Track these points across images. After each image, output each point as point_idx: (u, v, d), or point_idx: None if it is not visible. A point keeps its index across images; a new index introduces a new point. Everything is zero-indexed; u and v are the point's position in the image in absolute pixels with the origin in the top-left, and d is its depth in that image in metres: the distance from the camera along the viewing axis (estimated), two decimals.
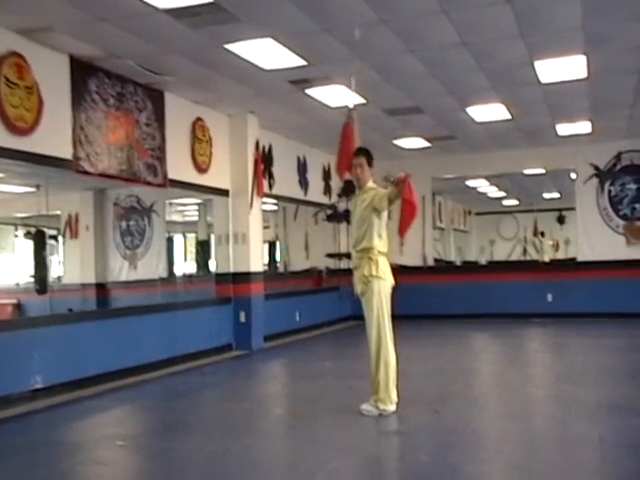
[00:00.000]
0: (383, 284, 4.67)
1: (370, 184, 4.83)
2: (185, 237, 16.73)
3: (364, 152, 4.86)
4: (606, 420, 4.49)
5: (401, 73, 6.98)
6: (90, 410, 5.45)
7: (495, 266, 14.64)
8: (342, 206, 11.95)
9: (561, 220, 19.85)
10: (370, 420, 4.64)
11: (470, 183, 15.30)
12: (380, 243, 4.72)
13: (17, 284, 11.87)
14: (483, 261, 17.71)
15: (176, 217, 15.27)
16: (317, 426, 4.57)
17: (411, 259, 11.96)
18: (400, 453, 4.05)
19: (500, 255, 20.11)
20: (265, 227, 12.06)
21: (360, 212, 4.74)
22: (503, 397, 5.56)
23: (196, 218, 15.57)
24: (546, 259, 16.35)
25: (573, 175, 11.58)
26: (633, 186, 10.93)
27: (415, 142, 10.65)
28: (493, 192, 17.38)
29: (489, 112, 8.71)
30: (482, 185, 15.90)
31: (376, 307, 4.65)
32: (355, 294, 4.83)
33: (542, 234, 18.16)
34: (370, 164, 4.82)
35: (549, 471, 3.51)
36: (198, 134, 7.92)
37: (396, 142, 10.61)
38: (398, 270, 12.17)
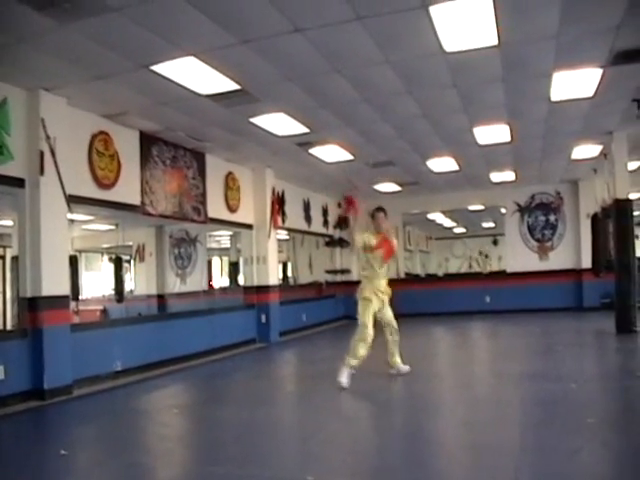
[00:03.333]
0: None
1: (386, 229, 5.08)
2: (221, 259, 16.84)
3: (384, 210, 5.16)
4: (526, 385, 4.51)
5: (379, 136, 7.04)
6: (154, 387, 5.47)
7: (449, 277, 14.63)
8: (337, 235, 12.03)
9: (495, 242, 19.90)
10: (357, 393, 4.62)
11: (430, 216, 15.30)
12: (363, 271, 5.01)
13: (103, 295, 11.87)
14: (440, 273, 17.63)
15: (214, 245, 15.33)
16: (318, 398, 4.57)
17: (390, 273, 11.90)
18: (378, 415, 4.05)
19: (452, 269, 20.09)
20: (279, 251, 12.09)
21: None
22: (455, 372, 5.55)
23: (229, 245, 15.63)
24: (486, 271, 16.32)
25: (503, 210, 11.70)
26: (542, 218, 11.24)
27: (389, 186, 10.71)
28: (447, 222, 17.39)
29: (443, 164, 8.77)
30: (439, 217, 15.90)
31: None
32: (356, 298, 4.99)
33: (486, 256, 18.19)
34: (385, 214, 5.16)
35: (487, 423, 3.56)
36: (230, 183, 7.99)
37: (375, 187, 10.69)
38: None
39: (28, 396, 4.75)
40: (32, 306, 4.83)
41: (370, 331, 4.84)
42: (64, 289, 5.02)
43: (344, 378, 4.73)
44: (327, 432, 3.59)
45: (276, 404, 4.54)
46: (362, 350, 4.80)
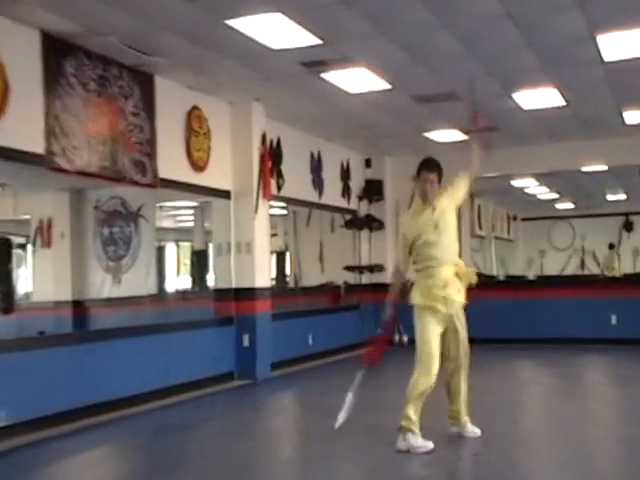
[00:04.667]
0: None
1: (444, 195, 5.08)
2: (178, 246, 16.86)
3: (437, 166, 5.07)
4: None
5: (433, 52, 6.99)
6: (63, 452, 5.49)
7: (546, 281, 14.61)
8: (364, 210, 12.02)
9: (628, 227, 19.71)
10: (395, 462, 4.65)
11: (516, 183, 15.27)
12: None
13: None
14: (531, 275, 17.66)
15: (168, 223, 15.41)
16: (333, 469, 4.61)
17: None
18: None
19: (552, 268, 20.03)
20: (273, 235, 12.17)
21: (442, 224, 4.99)
22: (557, 438, 5.54)
23: (191, 224, 15.74)
24: (611, 274, 16.29)
25: None
26: None
27: (450, 135, 10.65)
28: (544, 193, 17.32)
29: (539, 98, 8.69)
30: (530, 185, 15.85)
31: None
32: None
33: (611, 247, 18.08)
34: (440, 181, 5.02)
35: None
36: (194, 125, 7.98)
37: (427, 135, 10.63)
38: None
39: None
40: None
41: (435, 361, 4.86)
42: None
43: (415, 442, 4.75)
44: None
45: (265, 477, 4.56)
46: (422, 389, 4.83)
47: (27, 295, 11.31)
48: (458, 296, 5.03)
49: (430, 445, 4.76)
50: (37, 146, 5.99)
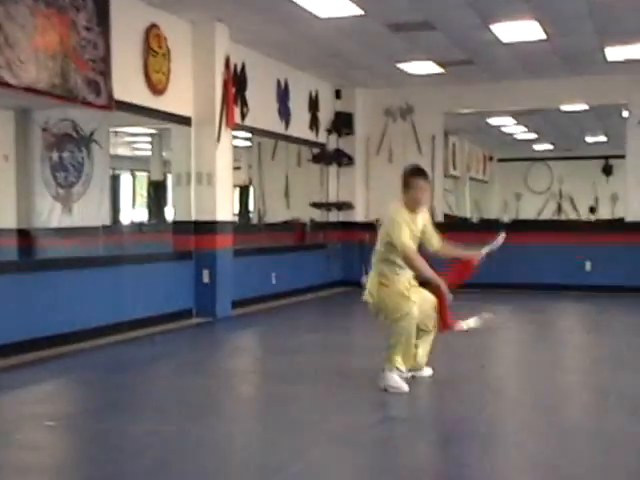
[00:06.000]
0: None
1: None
2: (134, 176, 16.61)
3: (427, 176, 5.39)
4: None
5: None
6: (11, 384, 5.47)
7: (521, 226, 14.70)
8: (332, 144, 11.95)
9: (607, 171, 19.92)
10: (362, 403, 4.73)
11: (492, 121, 15.28)
12: None
13: None
14: (506, 219, 17.79)
15: (123, 151, 15.17)
16: (294, 409, 4.65)
17: None
18: (395, 442, 4.12)
19: (528, 213, 20.25)
20: (236, 168, 12.06)
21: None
22: (524, 382, 5.69)
23: (149, 153, 15.51)
24: (587, 219, 16.60)
25: (625, 113, 11.60)
26: None
27: (424, 67, 10.56)
28: (521, 133, 17.39)
29: (518, 30, 8.62)
30: (508, 124, 15.88)
31: None
32: None
33: (592, 210, 18.33)
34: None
35: (579, 470, 3.59)
36: (153, 45, 7.79)
37: (400, 66, 10.51)
38: None
39: None
40: None
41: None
42: None
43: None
44: (305, 462, 3.64)
45: (223, 416, 4.62)
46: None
47: None
48: None
49: (404, 388, 4.86)
50: None
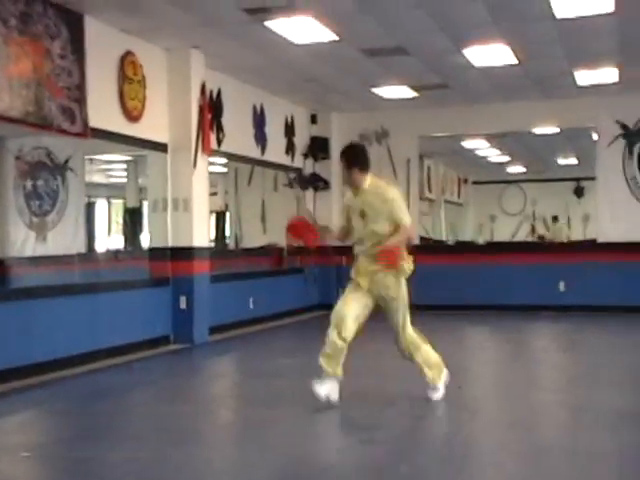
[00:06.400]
0: None
1: (369, 184, 5.23)
2: (110, 203, 16.58)
3: (344, 153, 5.39)
4: (628, 431, 4.60)
5: (382, 3, 6.96)
6: None
7: (496, 247, 14.83)
8: (309, 169, 12.02)
9: (579, 192, 20.22)
10: (338, 425, 4.75)
11: (466, 144, 15.46)
12: None
13: None
14: (481, 241, 17.95)
15: (98, 178, 15.13)
16: (272, 433, 4.66)
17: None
18: (374, 464, 4.13)
19: (502, 234, 20.43)
20: (212, 194, 12.07)
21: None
22: (501, 401, 5.73)
23: (124, 180, 15.47)
24: (559, 240, 16.77)
25: (595, 136, 11.81)
26: None
27: (399, 91, 10.69)
28: (495, 156, 17.59)
29: (491, 55, 8.76)
30: (481, 147, 16.07)
31: None
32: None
33: (555, 218, 18.51)
34: (353, 163, 5.24)
35: None
36: (128, 72, 7.83)
37: (375, 90, 10.64)
38: None
39: None
40: None
41: (343, 320, 5.09)
42: None
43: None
44: None
45: (202, 441, 4.62)
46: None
47: None
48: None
49: (331, 397, 4.98)
50: None
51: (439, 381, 5.22)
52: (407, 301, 5.25)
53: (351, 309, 5.07)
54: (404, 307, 5.22)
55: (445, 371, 5.29)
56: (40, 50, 6.60)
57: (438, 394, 5.21)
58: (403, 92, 10.72)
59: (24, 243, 9.85)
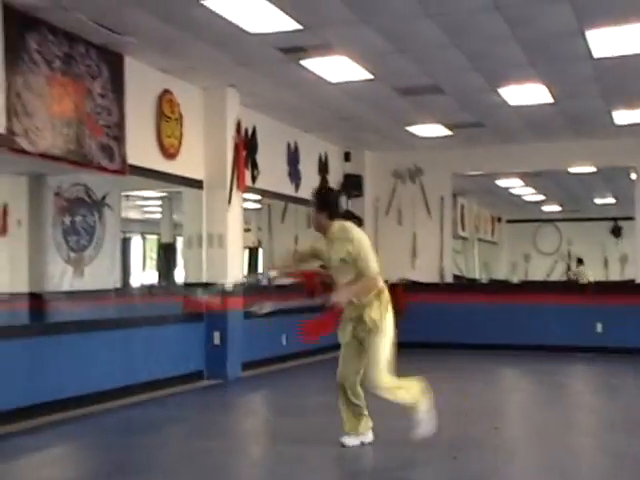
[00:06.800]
0: None
1: (336, 228, 5.12)
2: (144, 239, 16.79)
3: (315, 195, 5.31)
4: None
5: (417, 42, 7.04)
6: (20, 449, 5.46)
7: (530, 286, 14.71)
8: (342, 206, 12.07)
9: (616, 232, 19.98)
10: (371, 465, 4.71)
11: (501, 183, 15.42)
12: None
13: None
14: (515, 280, 17.81)
15: (133, 214, 15.35)
16: (304, 470, 4.66)
17: (425, 274, 12.04)
18: None
19: (537, 274, 20.24)
20: (246, 230, 12.15)
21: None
22: (537, 445, 5.61)
23: (159, 216, 15.66)
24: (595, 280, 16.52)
25: (633, 175, 11.73)
26: None
27: (433, 130, 10.74)
28: (529, 195, 17.51)
29: (526, 94, 8.79)
30: (516, 185, 16.02)
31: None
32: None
33: (580, 261, 18.33)
34: (321, 208, 5.17)
35: None
36: (165, 110, 7.98)
37: (409, 129, 10.70)
38: (408, 287, 12.20)
39: None
40: None
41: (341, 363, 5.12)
42: None
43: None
44: None
45: (233, 478, 4.58)
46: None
47: None
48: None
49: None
50: None
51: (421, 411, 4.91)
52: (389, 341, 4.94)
53: (349, 370, 5.05)
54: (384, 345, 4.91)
55: (425, 400, 4.95)
56: (82, 90, 6.78)
57: (423, 427, 4.90)
58: (437, 130, 10.77)
59: (61, 278, 9.96)
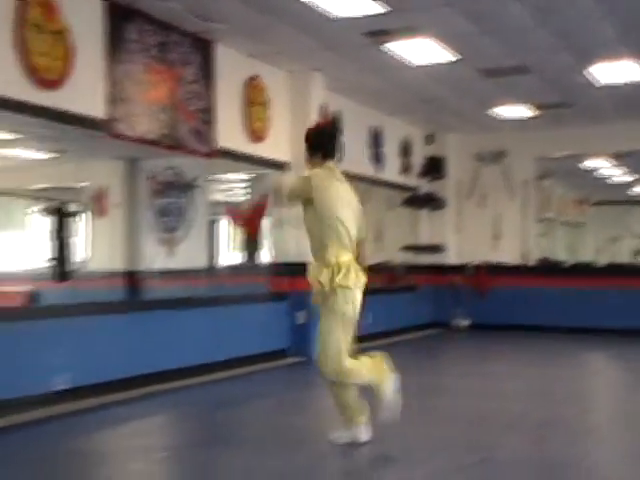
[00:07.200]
0: None
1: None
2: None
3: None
4: None
5: (503, 22, 6.97)
6: (121, 417, 5.74)
7: (617, 269, 14.30)
8: (424, 188, 12.05)
9: None
10: (457, 444, 4.75)
11: (587, 164, 15.04)
12: None
13: (30, 270, 12.31)
14: (602, 263, 17.33)
15: (220, 196, 15.61)
16: (392, 447, 4.70)
17: (508, 256, 11.90)
18: None
19: (625, 256, 19.64)
20: None
21: None
22: (628, 430, 5.49)
23: (243, 198, 15.88)
24: None
25: None
26: None
27: (518, 111, 10.58)
28: (618, 176, 17.01)
29: (617, 72, 8.58)
30: (603, 167, 15.60)
31: None
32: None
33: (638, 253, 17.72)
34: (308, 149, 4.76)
35: None
36: (253, 95, 8.13)
37: (493, 110, 10.57)
38: (490, 270, 12.08)
39: None
40: None
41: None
42: None
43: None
44: None
45: (319, 452, 4.69)
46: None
47: (83, 263, 11.60)
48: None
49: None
50: (99, 111, 6.20)
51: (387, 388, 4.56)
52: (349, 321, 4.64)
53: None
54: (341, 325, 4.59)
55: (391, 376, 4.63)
56: (175, 76, 6.98)
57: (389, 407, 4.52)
58: (522, 112, 10.60)
59: (154, 257, 10.31)
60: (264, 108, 8.29)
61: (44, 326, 5.85)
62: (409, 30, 7.11)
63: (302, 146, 8.85)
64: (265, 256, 10.58)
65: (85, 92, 6.05)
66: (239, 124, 7.96)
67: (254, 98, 8.13)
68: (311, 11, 6.50)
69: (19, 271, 12.23)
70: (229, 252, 15.93)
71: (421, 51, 7.72)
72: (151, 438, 5.11)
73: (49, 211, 11.26)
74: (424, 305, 11.76)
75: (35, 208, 12.90)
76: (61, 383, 5.85)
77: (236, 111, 7.91)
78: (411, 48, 7.64)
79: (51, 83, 5.70)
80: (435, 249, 12.00)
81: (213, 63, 7.48)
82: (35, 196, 12.62)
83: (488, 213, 12.17)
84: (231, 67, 7.76)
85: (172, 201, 10.40)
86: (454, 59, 7.95)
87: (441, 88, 9.39)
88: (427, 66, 8.25)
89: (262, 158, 8.33)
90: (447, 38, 7.38)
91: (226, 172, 10.92)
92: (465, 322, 11.35)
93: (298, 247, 8.64)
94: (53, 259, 10.88)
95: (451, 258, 12.17)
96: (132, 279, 10.23)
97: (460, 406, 5.79)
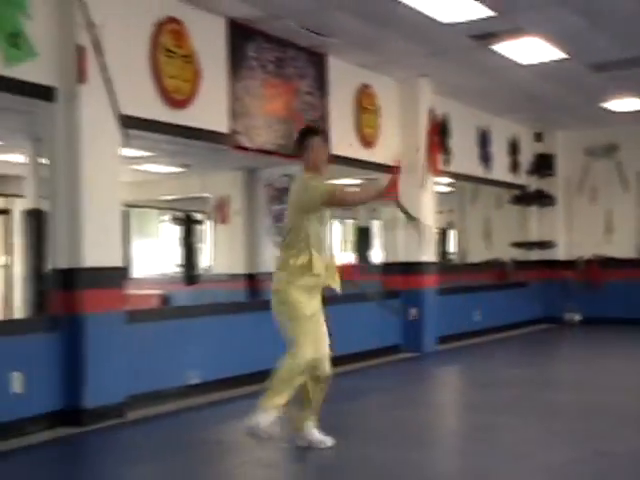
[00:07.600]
0: None
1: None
2: (342, 224, 17.39)
3: (320, 133, 4.97)
4: None
5: (614, 16, 6.82)
6: (247, 409, 5.96)
7: None
8: (533, 186, 11.90)
9: None
10: (571, 435, 4.74)
11: None
12: None
13: (162, 274, 13.05)
14: None
15: None
16: (501, 439, 4.78)
17: (622, 250, 11.56)
18: (612, 477, 4.08)
19: None
20: (438, 212, 12.27)
21: None
22: None
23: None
24: None
25: None
26: None
27: (630, 104, 10.27)
28: None
29: None
30: None
31: None
32: None
33: None
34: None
35: None
36: (365, 103, 8.30)
37: (603, 105, 10.31)
38: (602, 263, 11.76)
39: (57, 420, 5.16)
40: (67, 282, 5.24)
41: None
42: (115, 258, 5.54)
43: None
44: None
45: (435, 446, 4.83)
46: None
47: (207, 268, 12.23)
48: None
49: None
50: (222, 126, 6.57)
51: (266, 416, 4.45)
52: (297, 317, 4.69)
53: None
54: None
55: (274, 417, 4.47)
56: (291, 89, 7.27)
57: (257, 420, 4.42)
58: (635, 104, 10.28)
59: (271, 260, 10.71)
60: (375, 115, 8.45)
61: (176, 326, 6.19)
62: (516, 31, 7.08)
63: (411, 150, 9.05)
64: (376, 256, 10.76)
65: (210, 109, 6.43)
66: (351, 131, 8.15)
67: (366, 106, 8.30)
68: (419, 19, 6.58)
69: (153, 276, 12.99)
70: (341, 252, 16.23)
71: (529, 51, 7.67)
72: (276, 428, 5.34)
73: (178, 220, 11.94)
74: (535, 300, 11.63)
75: (166, 217, 13.68)
76: (193, 377, 6.20)
77: (348, 119, 8.11)
78: (518, 48, 7.60)
79: (180, 102, 6.11)
80: (545, 245, 11.83)
81: (326, 75, 7.71)
82: (165, 207, 13.38)
83: (599, 207, 11.87)
84: (343, 78, 7.96)
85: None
86: (564, 56, 7.83)
87: (550, 86, 9.26)
88: (535, 65, 8.17)
89: (373, 163, 8.47)
90: (556, 36, 7.29)
91: (339, 177, 11.16)
92: (577, 317, 11.15)
93: (407, 247, 8.80)
94: (182, 264, 11.52)
95: (561, 253, 11.96)
96: (252, 281, 10.65)
97: (576, 400, 5.75)
